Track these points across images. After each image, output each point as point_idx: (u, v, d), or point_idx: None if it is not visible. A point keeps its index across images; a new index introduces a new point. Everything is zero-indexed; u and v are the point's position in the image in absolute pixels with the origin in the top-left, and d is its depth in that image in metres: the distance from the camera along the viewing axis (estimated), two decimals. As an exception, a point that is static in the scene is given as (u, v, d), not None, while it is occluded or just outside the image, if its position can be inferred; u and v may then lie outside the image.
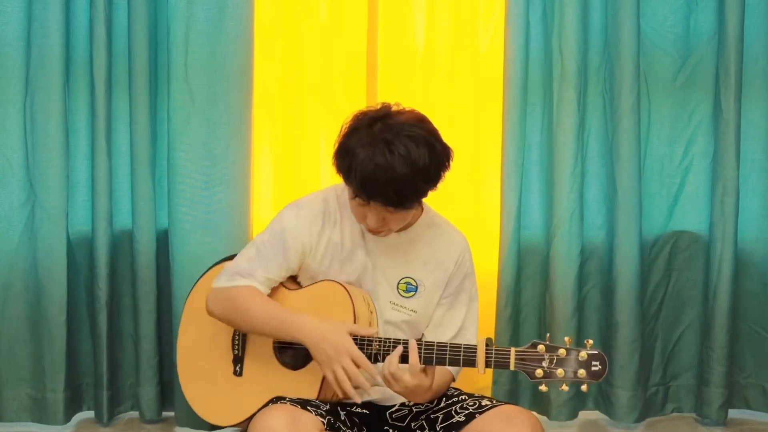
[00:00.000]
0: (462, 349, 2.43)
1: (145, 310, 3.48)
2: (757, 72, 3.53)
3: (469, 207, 3.58)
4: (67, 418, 3.50)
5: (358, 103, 3.45)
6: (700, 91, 3.54)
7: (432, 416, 2.56)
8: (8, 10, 3.36)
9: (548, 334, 2.44)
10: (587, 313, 3.58)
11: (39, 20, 3.35)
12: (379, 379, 2.51)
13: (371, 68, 3.56)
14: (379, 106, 2.50)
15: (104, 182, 3.41)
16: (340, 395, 2.48)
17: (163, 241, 3.49)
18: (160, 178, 3.49)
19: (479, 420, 2.47)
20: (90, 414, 3.57)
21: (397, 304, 2.61)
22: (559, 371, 2.37)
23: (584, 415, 3.63)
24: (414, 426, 2.58)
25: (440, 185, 2.50)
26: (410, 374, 2.41)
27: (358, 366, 2.44)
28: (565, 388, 2.39)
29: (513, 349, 2.40)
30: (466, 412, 2.50)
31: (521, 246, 3.53)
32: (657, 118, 3.55)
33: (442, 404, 2.58)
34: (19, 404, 3.50)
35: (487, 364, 2.40)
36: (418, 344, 2.44)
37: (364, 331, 2.48)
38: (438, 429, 2.53)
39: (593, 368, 2.36)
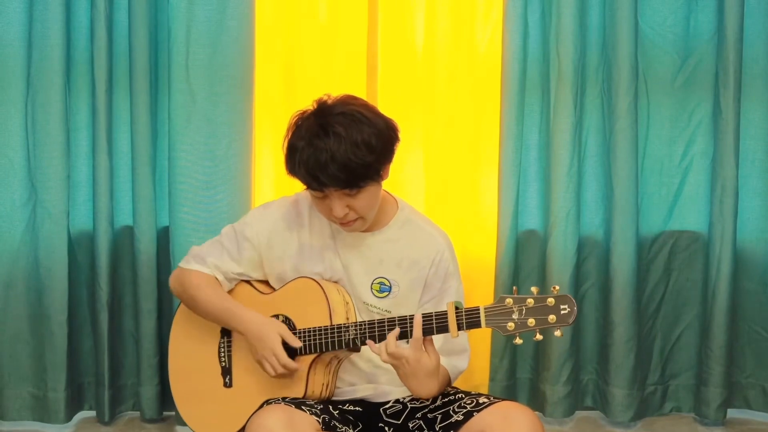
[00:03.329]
0: (433, 317, 2.43)
1: (145, 310, 3.49)
2: (757, 72, 3.53)
3: (467, 206, 3.59)
4: (69, 417, 3.51)
5: (359, 103, 3.46)
6: (699, 91, 3.54)
7: (430, 416, 2.56)
8: (9, 10, 3.37)
9: (515, 287, 2.43)
10: (586, 311, 3.58)
11: (40, 21, 3.36)
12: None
13: (371, 68, 3.57)
14: (314, 104, 2.53)
15: (105, 182, 3.43)
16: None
17: (164, 240, 3.50)
18: (161, 177, 3.50)
19: (477, 417, 2.46)
20: (91, 413, 3.58)
21: (370, 305, 2.61)
22: (530, 321, 2.36)
23: (581, 413, 3.64)
24: (411, 426, 2.58)
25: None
26: (412, 348, 2.41)
27: (279, 360, 2.53)
28: (539, 337, 2.38)
29: (482, 307, 2.40)
30: (465, 410, 2.49)
31: (518, 245, 3.54)
32: (656, 118, 3.55)
33: (440, 404, 2.57)
34: (21, 403, 3.52)
35: (459, 327, 2.40)
36: (390, 321, 2.46)
37: (291, 339, 2.55)
38: (437, 429, 2.53)
39: (562, 312, 2.36)
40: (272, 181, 3.62)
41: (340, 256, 2.62)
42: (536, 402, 3.57)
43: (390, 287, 2.62)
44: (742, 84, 3.47)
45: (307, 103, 2.49)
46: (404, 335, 2.45)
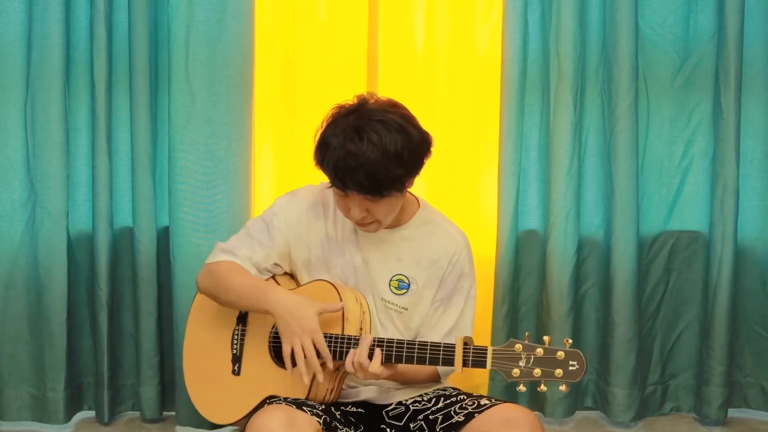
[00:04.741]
0: (441, 348, 2.43)
1: (145, 310, 3.49)
2: (757, 72, 3.53)
3: (467, 206, 3.59)
4: (68, 417, 3.51)
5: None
6: (699, 91, 3.54)
7: (431, 417, 2.56)
8: (9, 10, 3.37)
9: (527, 333, 2.42)
10: (586, 311, 3.59)
11: (40, 20, 3.35)
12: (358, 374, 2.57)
13: (371, 68, 3.57)
14: (355, 99, 2.52)
15: (105, 182, 3.42)
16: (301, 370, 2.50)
17: (163, 240, 3.50)
18: (161, 177, 3.50)
19: (478, 419, 2.47)
20: (91, 413, 3.58)
21: (389, 301, 2.62)
22: (536, 371, 2.34)
23: (581, 413, 3.64)
24: (413, 426, 2.58)
25: (422, 171, 2.54)
26: (372, 374, 2.45)
27: (316, 348, 2.47)
28: (543, 388, 2.36)
29: (490, 348, 2.39)
30: (465, 412, 2.50)
31: (518, 245, 3.54)
32: (656, 118, 3.55)
33: (441, 405, 2.58)
34: (21, 403, 3.51)
35: (465, 364, 2.40)
36: (399, 343, 2.46)
37: (331, 307, 2.50)
38: (437, 430, 2.53)
39: (570, 368, 2.33)
40: (272, 181, 3.62)
41: (361, 251, 2.63)
42: (536, 402, 3.57)
43: (408, 284, 2.63)
44: (742, 84, 3.47)
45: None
46: (410, 359, 2.45)
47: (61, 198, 3.43)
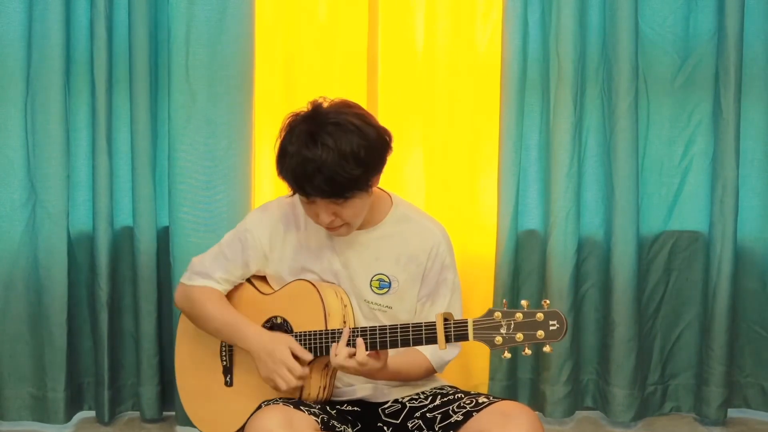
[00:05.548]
0: (423, 328, 2.43)
1: (145, 310, 3.49)
2: (757, 72, 3.53)
3: (467, 206, 3.59)
4: (68, 417, 3.51)
5: (359, 102, 3.46)
6: (699, 91, 3.54)
7: (429, 416, 2.56)
8: (9, 10, 3.37)
9: (505, 300, 2.42)
10: (586, 311, 3.59)
11: (40, 20, 3.36)
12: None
13: (371, 68, 3.57)
14: (309, 106, 2.52)
15: (105, 182, 3.43)
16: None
17: (163, 240, 3.50)
18: (161, 177, 3.50)
19: (477, 417, 2.46)
20: (91, 413, 3.58)
21: (372, 302, 2.61)
22: (518, 335, 2.34)
23: (581, 413, 3.64)
24: (410, 426, 2.58)
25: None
26: (357, 363, 2.44)
27: (294, 374, 2.50)
28: (527, 352, 2.35)
29: (470, 320, 2.38)
30: (464, 410, 2.50)
31: (518, 245, 3.54)
32: (656, 118, 3.55)
33: (439, 403, 2.58)
34: (21, 403, 3.52)
35: (447, 339, 2.39)
36: (381, 328, 2.45)
37: (301, 352, 2.52)
38: (436, 429, 2.53)
39: (551, 327, 2.32)
40: (272, 181, 3.61)
41: (338, 255, 2.63)
42: (536, 402, 3.57)
43: (389, 283, 2.62)
44: (742, 84, 3.48)
45: (307, 104, 2.49)
46: (394, 344, 2.44)
47: (61, 198, 3.43)
